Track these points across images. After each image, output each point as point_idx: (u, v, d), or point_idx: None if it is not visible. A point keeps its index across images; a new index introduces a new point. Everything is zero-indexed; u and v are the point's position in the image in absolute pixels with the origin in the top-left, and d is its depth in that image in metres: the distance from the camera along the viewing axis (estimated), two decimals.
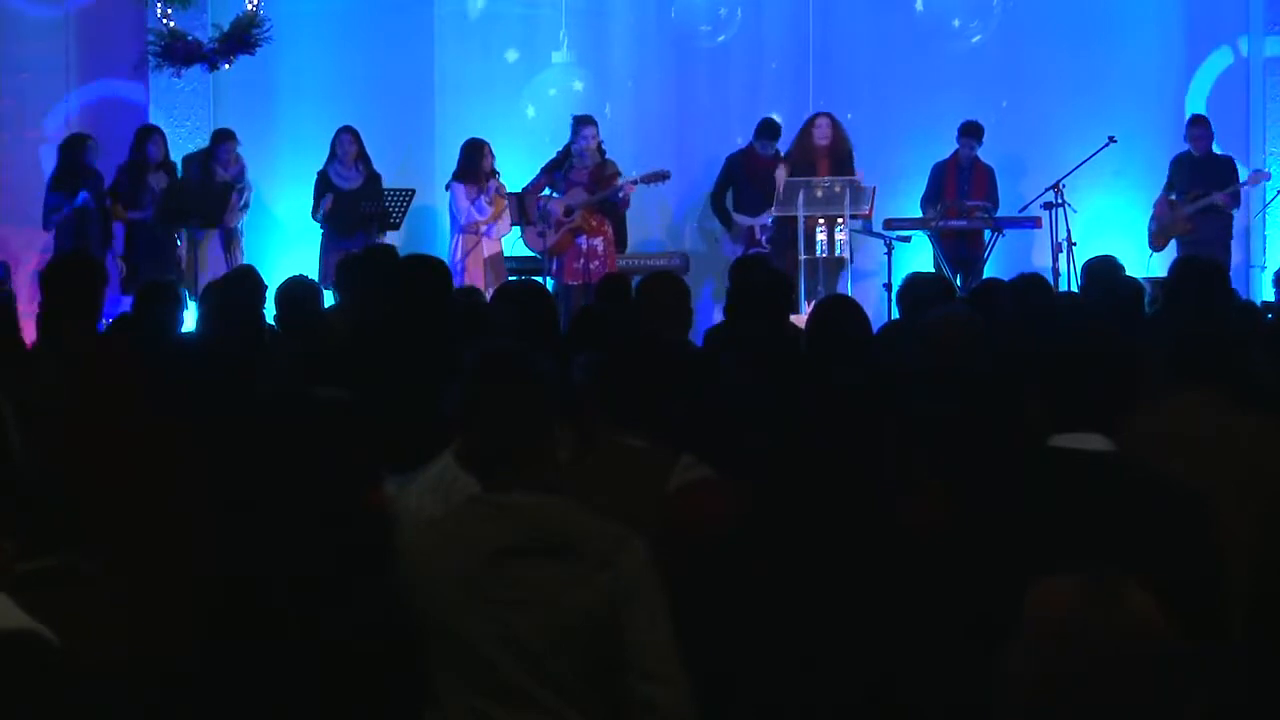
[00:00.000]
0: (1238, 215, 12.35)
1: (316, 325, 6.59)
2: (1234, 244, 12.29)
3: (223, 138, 11.88)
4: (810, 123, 12.22)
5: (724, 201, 12.37)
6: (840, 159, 12.09)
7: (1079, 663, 1.94)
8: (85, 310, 6.13)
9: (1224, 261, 11.55)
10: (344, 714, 3.41)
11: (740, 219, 12.22)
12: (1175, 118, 12.81)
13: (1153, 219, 12.31)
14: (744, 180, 12.23)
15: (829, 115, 12.23)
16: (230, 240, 11.74)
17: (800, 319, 8.03)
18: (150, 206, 11.50)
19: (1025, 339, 4.96)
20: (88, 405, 4.17)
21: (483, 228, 11.91)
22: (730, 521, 3.45)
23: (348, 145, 11.83)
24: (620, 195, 11.73)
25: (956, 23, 13.18)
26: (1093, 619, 1.96)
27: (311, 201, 11.89)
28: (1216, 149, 12.28)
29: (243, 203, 11.89)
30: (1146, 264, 11.93)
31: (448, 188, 11.99)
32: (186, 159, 12.02)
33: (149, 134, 11.81)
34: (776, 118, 12.31)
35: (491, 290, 10.76)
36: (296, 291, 6.93)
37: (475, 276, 11.62)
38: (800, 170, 11.98)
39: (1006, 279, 7.47)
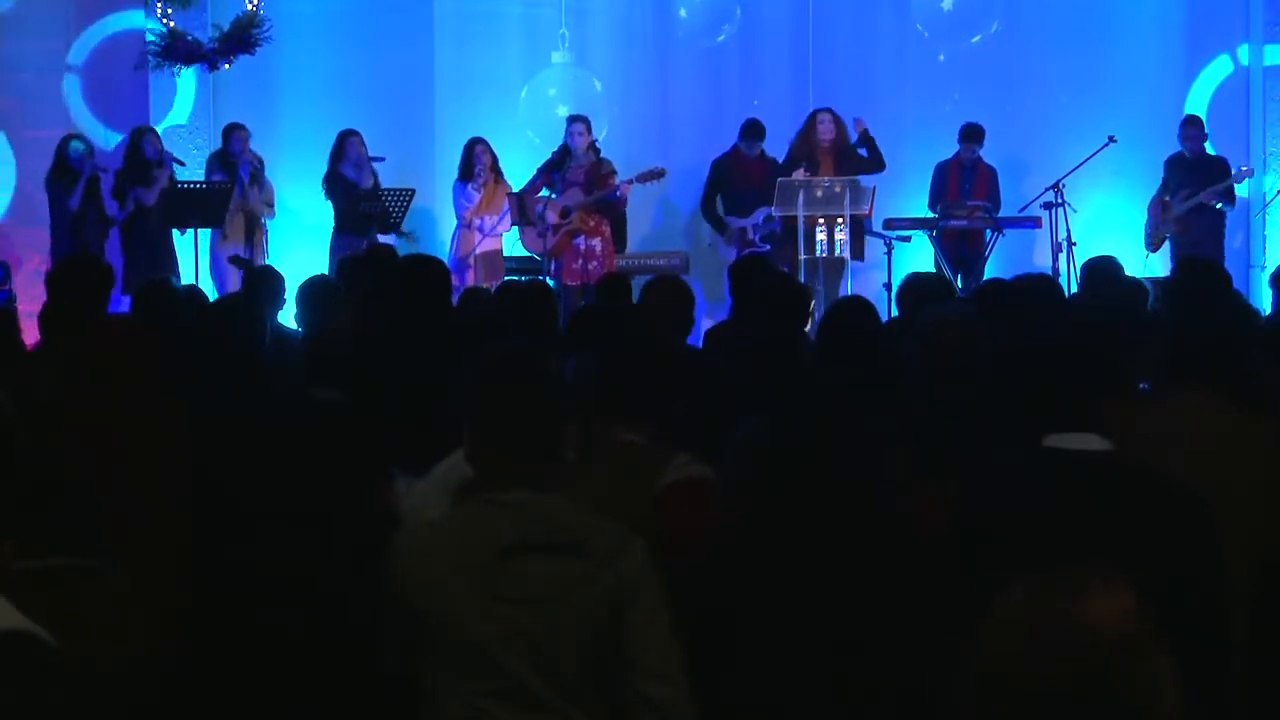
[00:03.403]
0: (1235, 214, 12.35)
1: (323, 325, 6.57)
2: (1230, 243, 12.28)
3: (231, 130, 11.91)
4: (813, 119, 12.20)
5: (714, 206, 12.38)
6: (843, 155, 12.09)
7: (1034, 665, 1.93)
8: (89, 312, 6.13)
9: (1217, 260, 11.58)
10: (341, 714, 3.40)
11: (732, 221, 12.23)
12: (1175, 118, 12.81)
13: (1147, 220, 12.34)
14: (731, 182, 12.25)
15: (830, 111, 12.22)
16: (252, 235, 11.78)
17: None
18: (151, 186, 11.53)
19: (1019, 338, 4.96)
20: (95, 396, 4.17)
21: (475, 220, 11.94)
22: (722, 521, 3.45)
23: (358, 146, 11.93)
24: (617, 195, 11.74)
25: (941, 52, 13.17)
26: (1048, 621, 1.95)
27: (322, 201, 11.96)
28: (1209, 149, 12.28)
29: (265, 198, 11.91)
30: (1144, 264, 11.93)
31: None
32: (209, 161, 12.04)
33: (143, 134, 11.86)
34: (759, 119, 12.30)
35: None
36: (318, 291, 6.89)
37: (469, 273, 11.68)
38: (806, 166, 11.97)
39: (1007, 279, 7.46)
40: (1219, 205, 12.11)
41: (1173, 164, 12.24)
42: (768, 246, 11.86)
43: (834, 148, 12.09)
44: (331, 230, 11.94)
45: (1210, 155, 12.26)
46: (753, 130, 12.19)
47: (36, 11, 12.80)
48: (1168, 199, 12.18)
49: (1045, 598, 1.97)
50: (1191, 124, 12.22)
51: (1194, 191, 11.99)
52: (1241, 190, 12.43)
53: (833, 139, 12.08)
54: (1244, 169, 12.36)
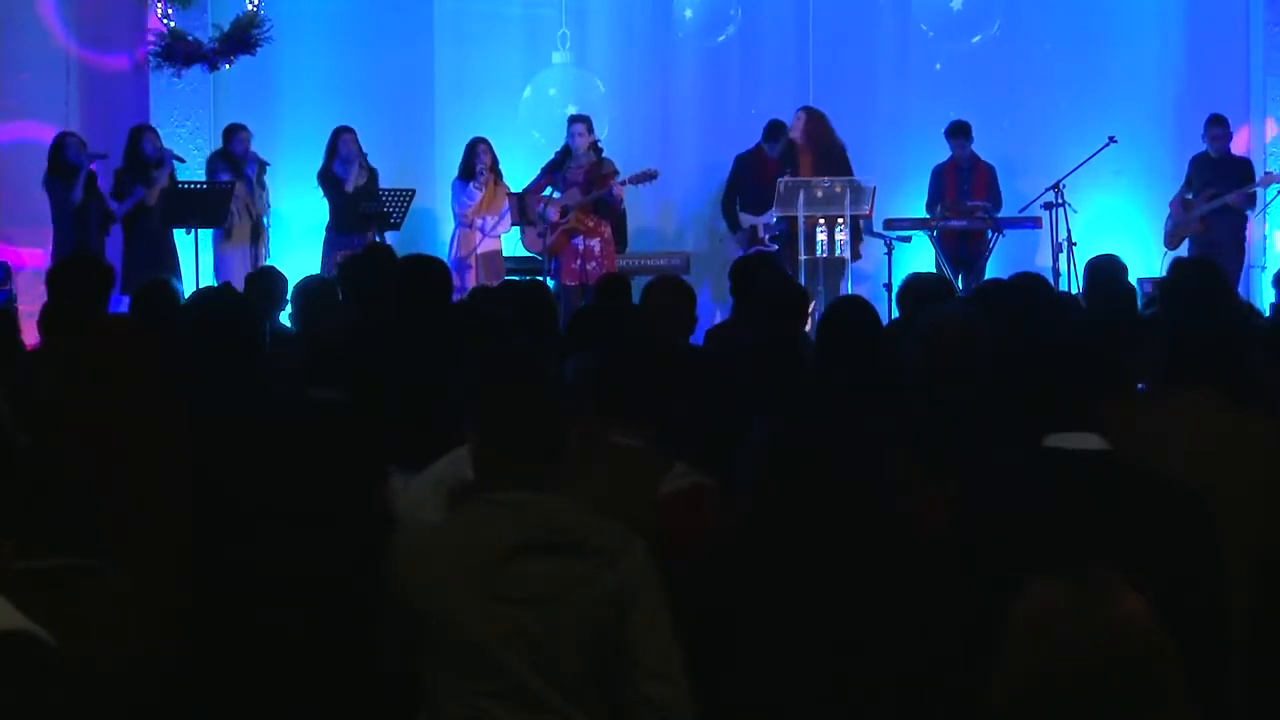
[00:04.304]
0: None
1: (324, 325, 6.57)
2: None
3: (233, 130, 11.92)
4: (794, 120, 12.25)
5: (733, 202, 12.39)
6: (825, 154, 12.06)
7: (1065, 664, 1.94)
8: (89, 312, 6.13)
9: (1236, 263, 11.56)
10: (341, 714, 3.40)
11: (745, 218, 12.23)
12: (1175, 118, 12.81)
13: (1168, 217, 12.29)
14: (750, 181, 12.25)
15: (806, 110, 12.23)
16: (257, 236, 11.79)
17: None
18: (152, 185, 11.53)
19: (1019, 338, 4.96)
20: (95, 396, 4.17)
21: (476, 220, 11.94)
22: (719, 530, 3.45)
23: (351, 144, 11.92)
24: (611, 195, 11.74)
25: (939, 59, 13.16)
26: (1079, 620, 1.96)
27: (320, 200, 11.96)
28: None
29: (264, 199, 11.93)
30: (1159, 264, 11.90)
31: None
32: (210, 161, 12.04)
33: (142, 133, 11.83)
34: (783, 121, 12.30)
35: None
36: (316, 291, 6.88)
37: (469, 273, 11.67)
38: (788, 167, 11.99)
39: (1006, 279, 7.47)
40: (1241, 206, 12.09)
41: (1198, 163, 12.16)
42: (776, 247, 11.86)
43: (810, 145, 12.08)
44: (326, 228, 11.95)
45: (1235, 156, 12.23)
46: (775, 132, 12.21)
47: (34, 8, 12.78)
48: (1189, 197, 12.15)
49: (1079, 598, 1.98)
50: (1217, 124, 12.10)
51: (1219, 192, 11.94)
52: None
53: (806, 137, 12.08)
54: (1273, 174, 12.30)
